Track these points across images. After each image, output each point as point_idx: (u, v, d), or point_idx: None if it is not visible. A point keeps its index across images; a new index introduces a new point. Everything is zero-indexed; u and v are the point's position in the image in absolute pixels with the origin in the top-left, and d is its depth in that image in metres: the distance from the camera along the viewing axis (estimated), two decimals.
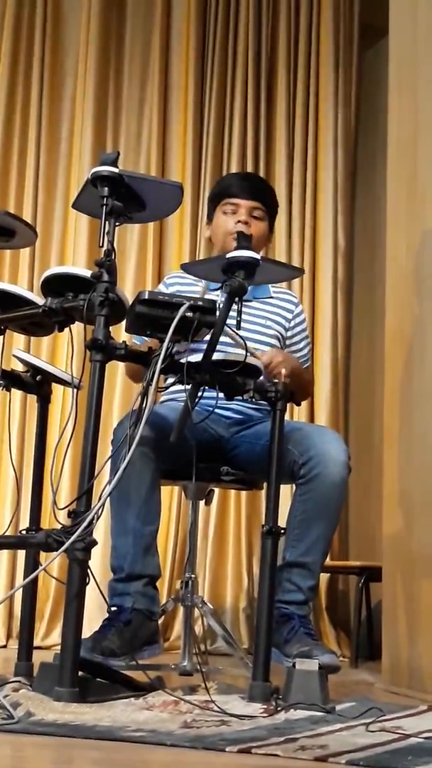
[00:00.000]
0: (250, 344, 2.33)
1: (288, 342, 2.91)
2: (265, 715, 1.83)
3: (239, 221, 2.81)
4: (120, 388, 4.23)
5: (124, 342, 2.04)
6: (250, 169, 4.53)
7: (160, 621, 2.57)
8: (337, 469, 2.47)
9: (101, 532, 2.90)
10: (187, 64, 4.62)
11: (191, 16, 4.64)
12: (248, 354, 2.25)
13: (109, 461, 2.24)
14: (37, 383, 2.33)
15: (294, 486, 2.54)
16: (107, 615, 2.42)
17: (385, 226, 3.06)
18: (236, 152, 4.57)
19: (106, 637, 2.32)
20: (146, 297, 2.02)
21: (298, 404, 2.44)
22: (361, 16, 4.85)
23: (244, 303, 2.16)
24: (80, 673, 1.87)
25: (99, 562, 3.08)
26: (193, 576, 2.64)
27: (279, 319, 2.89)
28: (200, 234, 4.39)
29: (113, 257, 2.01)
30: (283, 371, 2.42)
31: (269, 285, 2.92)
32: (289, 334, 2.91)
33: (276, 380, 2.26)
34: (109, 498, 2.11)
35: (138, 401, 2.01)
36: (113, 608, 2.42)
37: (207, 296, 2.48)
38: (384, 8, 3.16)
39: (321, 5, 4.76)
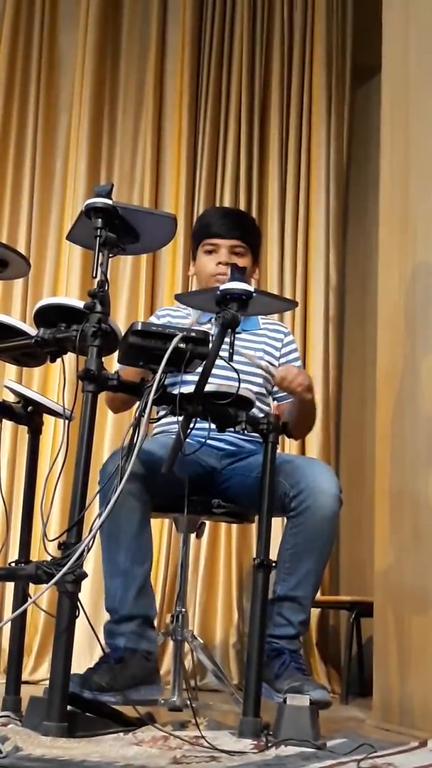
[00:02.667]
0: (241, 377, 2.32)
1: (280, 364, 2.91)
2: (255, 751, 1.81)
3: (220, 263, 2.83)
4: (111, 419, 4.23)
5: (116, 372, 2.04)
6: (242, 203, 4.56)
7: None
8: (328, 502, 2.46)
9: (91, 564, 2.88)
10: (180, 101, 4.67)
11: (185, 52, 4.69)
12: (259, 366, 2.27)
13: (99, 495, 2.23)
14: (28, 414, 2.32)
15: (285, 519, 2.53)
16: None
17: (376, 261, 3.08)
18: (229, 187, 4.60)
19: (96, 673, 2.30)
20: (139, 328, 2.02)
21: (296, 437, 2.45)
22: (353, 54, 4.91)
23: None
24: (69, 707, 1.84)
25: (89, 594, 3.06)
26: (183, 610, 2.63)
27: (270, 350, 2.90)
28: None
29: (106, 288, 2.01)
30: (301, 380, 2.44)
31: (258, 317, 2.94)
32: (282, 361, 2.92)
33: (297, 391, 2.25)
34: (99, 536, 2.11)
35: (130, 433, 2.00)
36: (107, 649, 2.40)
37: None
38: (376, 47, 3.19)
39: (314, 43, 4.82)
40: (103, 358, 2.00)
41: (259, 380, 2.83)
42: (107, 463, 2.48)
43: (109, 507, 1.87)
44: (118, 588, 2.43)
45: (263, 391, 2.84)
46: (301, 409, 2.71)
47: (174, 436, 2.16)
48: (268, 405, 2.89)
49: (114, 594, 2.44)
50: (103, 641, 2.41)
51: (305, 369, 4.27)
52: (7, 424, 2.34)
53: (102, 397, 2.24)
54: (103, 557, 2.45)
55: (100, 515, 1.95)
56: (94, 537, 1.88)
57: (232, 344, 2.10)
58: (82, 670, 2.35)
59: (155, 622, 2.53)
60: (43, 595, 1.89)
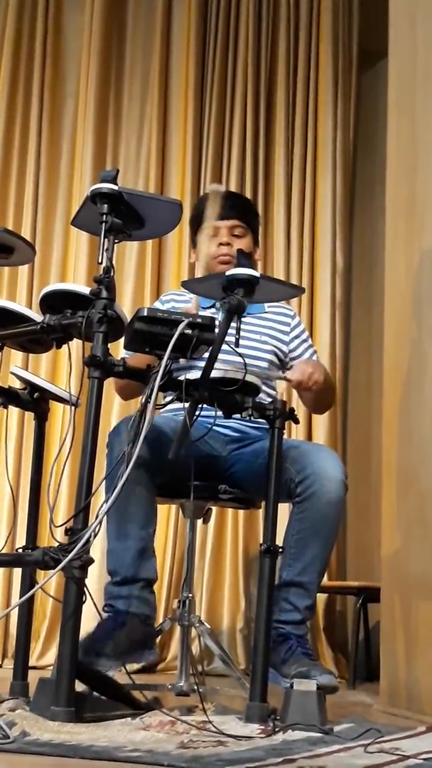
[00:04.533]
0: (246, 361, 2.32)
1: (292, 354, 2.91)
2: (262, 735, 1.81)
3: (221, 243, 2.83)
4: (117, 405, 4.22)
5: (122, 359, 2.04)
6: (248, 189, 4.54)
7: (158, 639, 2.55)
8: (334, 487, 2.46)
9: (98, 550, 2.89)
10: (186, 87, 4.65)
11: (191, 38, 4.66)
12: (278, 378, 2.29)
13: (106, 478, 2.23)
14: (35, 400, 2.32)
15: (291, 504, 2.53)
16: (103, 617, 2.40)
17: (383, 246, 3.07)
18: (235, 173, 4.59)
19: (103, 640, 2.30)
20: (145, 314, 2.02)
21: (324, 411, 2.46)
22: (360, 38, 4.88)
23: None
24: (77, 684, 1.85)
25: (96, 580, 3.07)
26: (190, 595, 2.63)
27: (276, 334, 2.90)
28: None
29: (112, 274, 2.01)
30: (317, 377, 2.46)
31: None
32: (291, 346, 2.91)
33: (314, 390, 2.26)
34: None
35: (137, 419, 2.00)
36: (107, 609, 2.40)
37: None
38: (382, 31, 3.18)
39: (320, 28, 4.79)
40: (109, 345, 2.00)
41: (265, 364, 2.83)
42: (113, 434, 2.47)
43: (114, 494, 1.87)
44: (122, 549, 2.43)
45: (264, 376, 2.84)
46: (321, 394, 2.74)
47: (181, 419, 2.16)
48: (274, 389, 2.89)
49: (117, 555, 2.43)
50: (102, 602, 2.41)
51: None
52: (14, 411, 2.35)
53: (111, 384, 2.24)
54: (107, 519, 2.44)
55: (106, 500, 1.94)
56: (100, 523, 1.89)
57: (238, 330, 2.10)
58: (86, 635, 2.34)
59: (158, 605, 2.53)
60: (50, 580, 1.89)
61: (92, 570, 1.90)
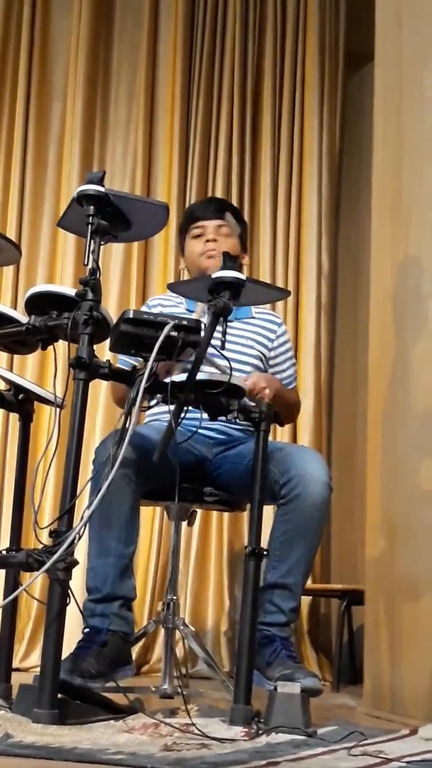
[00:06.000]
0: (232, 365, 2.32)
1: (272, 363, 2.91)
2: (246, 738, 1.81)
3: (207, 240, 2.85)
4: (103, 407, 4.22)
5: (107, 361, 2.03)
6: (234, 191, 4.55)
7: (140, 644, 2.56)
8: (318, 489, 2.47)
9: (82, 552, 2.88)
10: (173, 90, 4.64)
11: (177, 41, 4.66)
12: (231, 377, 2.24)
13: (90, 482, 2.24)
14: (20, 402, 2.31)
15: (275, 507, 2.53)
16: (83, 635, 2.41)
17: (368, 249, 3.07)
18: (221, 175, 4.58)
19: (85, 659, 2.31)
20: (131, 316, 2.02)
21: (282, 425, 2.46)
22: (346, 42, 4.89)
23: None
24: (60, 695, 1.85)
25: (80, 582, 3.06)
26: (174, 598, 2.63)
27: (261, 339, 2.90)
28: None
29: (98, 276, 2.01)
30: (267, 392, 2.43)
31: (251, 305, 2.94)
32: (273, 354, 2.92)
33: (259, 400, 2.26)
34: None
35: (122, 421, 2.00)
36: (89, 629, 2.40)
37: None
38: (369, 34, 3.19)
39: (307, 30, 4.79)
40: (95, 346, 2.00)
41: (249, 369, 2.83)
42: (99, 449, 2.47)
43: (99, 496, 1.87)
44: (104, 567, 2.43)
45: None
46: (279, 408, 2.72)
47: (166, 424, 2.16)
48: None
49: (99, 573, 2.44)
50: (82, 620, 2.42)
51: (297, 358, 4.27)
52: None
53: (96, 386, 2.23)
54: (90, 536, 2.45)
55: (90, 503, 1.94)
56: (85, 525, 1.89)
57: (224, 332, 2.10)
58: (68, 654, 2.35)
59: (142, 607, 2.53)
60: (34, 582, 1.89)
61: (76, 572, 1.89)
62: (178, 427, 2.11)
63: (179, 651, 3.15)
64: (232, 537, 4.28)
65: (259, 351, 2.88)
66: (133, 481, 2.43)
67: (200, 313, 2.79)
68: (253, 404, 2.22)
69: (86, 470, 2.35)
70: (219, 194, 4.47)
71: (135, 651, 3.39)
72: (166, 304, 2.93)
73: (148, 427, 2.64)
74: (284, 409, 2.77)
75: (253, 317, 2.94)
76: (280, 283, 4.47)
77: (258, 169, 4.69)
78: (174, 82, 4.64)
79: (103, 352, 2.18)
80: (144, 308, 3.00)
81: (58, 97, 4.64)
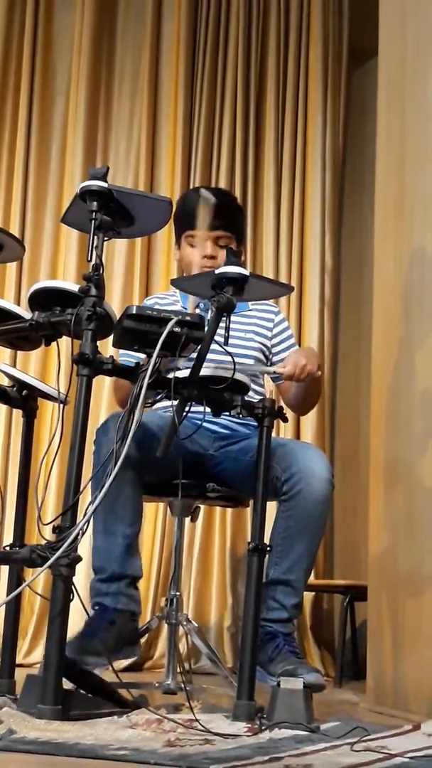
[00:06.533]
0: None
1: (274, 350, 2.91)
2: (249, 734, 1.81)
3: (205, 256, 2.79)
4: (106, 403, 4.22)
5: (111, 357, 2.03)
6: (238, 187, 4.54)
7: (143, 640, 2.56)
8: (320, 486, 2.47)
9: (86, 548, 2.88)
10: (176, 85, 4.64)
11: (181, 37, 4.66)
12: (267, 372, 2.25)
13: (92, 476, 2.23)
14: (23, 398, 2.32)
15: (277, 503, 2.53)
16: (91, 613, 2.40)
17: (372, 245, 3.07)
18: (224, 171, 4.58)
19: (91, 637, 2.30)
20: (134, 312, 2.02)
21: (285, 421, 2.45)
22: (349, 38, 4.89)
23: None
24: (65, 681, 1.85)
25: (83, 578, 3.07)
26: (177, 594, 2.63)
27: (261, 330, 2.90)
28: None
29: (101, 272, 2.01)
30: (309, 368, 2.45)
31: None
32: (274, 341, 2.92)
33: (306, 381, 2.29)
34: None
35: (125, 418, 2.00)
36: (96, 607, 2.41)
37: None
38: (372, 29, 3.18)
39: (310, 26, 4.79)
40: (98, 342, 2.00)
41: (251, 361, 2.83)
42: (100, 431, 2.46)
43: (102, 493, 1.87)
44: (108, 546, 2.43)
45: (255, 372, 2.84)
46: (310, 389, 2.72)
47: (170, 418, 2.16)
48: (261, 386, 2.89)
49: (104, 552, 2.44)
50: (89, 600, 2.42)
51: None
52: (2, 408, 2.34)
53: (99, 382, 2.23)
54: (94, 517, 2.45)
55: (94, 500, 1.94)
56: (88, 521, 1.89)
57: (227, 328, 2.10)
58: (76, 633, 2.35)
59: (145, 604, 2.53)
60: (38, 578, 1.89)
61: (80, 568, 1.90)
62: (182, 422, 2.11)
63: (182, 647, 3.15)
64: (235, 533, 4.29)
65: (259, 343, 2.88)
66: (135, 475, 2.43)
67: (192, 305, 2.78)
68: (257, 399, 2.22)
69: (89, 465, 2.35)
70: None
71: None
72: (162, 302, 2.93)
73: (152, 414, 2.62)
74: (314, 394, 2.78)
75: (251, 309, 2.94)
76: (283, 279, 4.47)
77: (261, 165, 4.68)
78: (177, 78, 4.64)
79: (107, 348, 2.18)
80: None
81: (61, 93, 4.64)
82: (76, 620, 2.22)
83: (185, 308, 2.85)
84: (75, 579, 1.87)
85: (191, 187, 4.54)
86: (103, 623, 2.35)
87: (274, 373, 2.70)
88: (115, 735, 1.71)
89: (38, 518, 1.98)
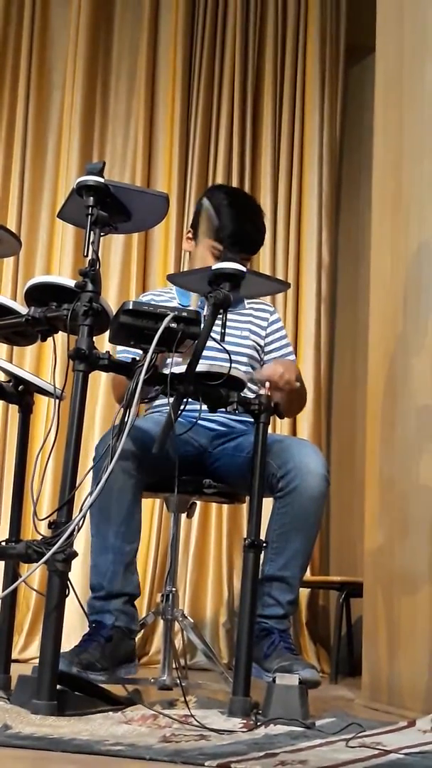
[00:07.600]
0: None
1: (267, 348, 2.91)
2: (244, 729, 1.81)
3: None
4: (102, 398, 4.22)
5: (107, 352, 2.03)
6: (234, 182, 4.53)
7: (138, 636, 2.56)
8: (315, 482, 2.46)
9: (82, 544, 2.88)
10: (173, 81, 4.63)
11: (178, 32, 4.65)
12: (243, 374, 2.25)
13: (90, 475, 2.23)
14: (19, 393, 2.31)
15: (273, 499, 2.53)
16: (87, 630, 2.41)
17: (369, 242, 3.07)
18: (221, 167, 4.58)
19: (86, 650, 2.31)
20: (131, 307, 2.01)
21: (282, 417, 2.44)
22: (347, 34, 4.88)
23: None
24: (58, 686, 1.85)
25: (79, 574, 3.07)
26: (173, 589, 2.63)
27: (255, 329, 2.90)
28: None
29: (98, 267, 2.00)
30: (287, 377, 2.43)
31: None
32: (268, 340, 2.91)
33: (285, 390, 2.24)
34: (89, 513, 2.10)
35: (121, 413, 2.00)
36: (93, 624, 2.41)
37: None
38: (370, 27, 3.18)
39: (308, 22, 4.79)
40: (94, 338, 2.00)
41: (244, 359, 2.82)
42: (99, 445, 2.47)
43: (99, 487, 1.87)
44: (106, 564, 2.44)
45: (249, 370, 2.84)
46: (290, 399, 2.69)
47: (165, 416, 2.16)
48: (256, 384, 2.88)
49: (103, 570, 2.44)
50: (86, 597, 2.42)
51: (296, 350, 4.26)
52: None
53: (95, 378, 2.23)
54: (92, 533, 2.45)
55: (90, 494, 1.94)
56: (84, 516, 1.88)
57: (224, 324, 2.09)
58: (71, 647, 2.36)
59: (141, 599, 2.53)
60: (33, 573, 1.89)
61: (75, 563, 1.89)
62: (179, 419, 2.10)
63: (178, 642, 3.15)
64: (231, 529, 4.29)
65: (253, 341, 2.88)
66: (133, 475, 2.43)
67: (195, 303, 2.77)
68: (253, 396, 2.22)
69: (85, 462, 2.35)
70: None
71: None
72: (158, 299, 2.92)
73: (146, 419, 2.63)
74: (296, 402, 2.76)
75: (246, 308, 2.93)
76: (280, 276, 4.47)
77: (258, 161, 4.68)
78: (174, 72, 4.63)
79: (103, 343, 2.17)
80: None
81: (58, 87, 4.64)
82: (72, 616, 2.22)
83: (182, 305, 2.85)
84: (70, 574, 1.87)
85: (188, 182, 4.52)
86: (99, 638, 2.36)
87: (251, 380, 2.66)
88: (110, 731, 1.72)
89: (34, 513, 1.98)
